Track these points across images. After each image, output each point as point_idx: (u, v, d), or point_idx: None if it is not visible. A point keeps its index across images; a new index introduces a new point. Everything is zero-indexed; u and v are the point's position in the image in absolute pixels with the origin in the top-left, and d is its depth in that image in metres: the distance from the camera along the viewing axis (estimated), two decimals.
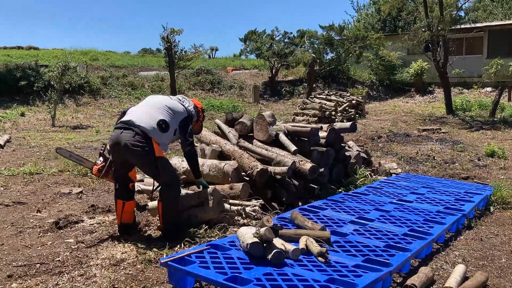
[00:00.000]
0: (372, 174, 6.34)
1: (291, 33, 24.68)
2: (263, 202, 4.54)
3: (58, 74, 13.83)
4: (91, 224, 4.44)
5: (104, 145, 4.14)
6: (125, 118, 3.93)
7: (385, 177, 6.29)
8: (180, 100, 4.18)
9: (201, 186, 4.31)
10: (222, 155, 5.40)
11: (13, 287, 3.10)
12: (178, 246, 3.75)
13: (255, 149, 5.28)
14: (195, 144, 4.42)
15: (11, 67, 18.25)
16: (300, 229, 3.60)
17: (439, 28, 14.82)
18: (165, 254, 3.57)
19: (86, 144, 9.94)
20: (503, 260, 3.64)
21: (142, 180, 5.71)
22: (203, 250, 3.17)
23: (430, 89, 21.81)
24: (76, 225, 4.40)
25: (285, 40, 24.62)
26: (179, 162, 5.42)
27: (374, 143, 9.70)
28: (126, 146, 3.74)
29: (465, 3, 18.26)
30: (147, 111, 3.94)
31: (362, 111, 15.66)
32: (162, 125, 3.84)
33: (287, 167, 4.76)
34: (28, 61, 19.58)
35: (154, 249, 3.71)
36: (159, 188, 3.94)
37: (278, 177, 4.90)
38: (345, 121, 12.72)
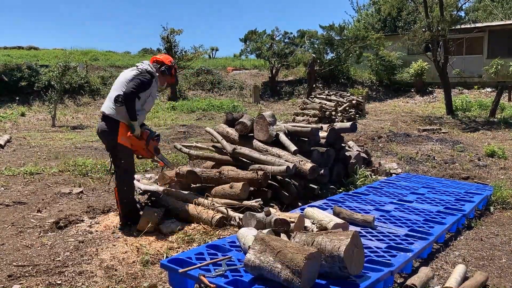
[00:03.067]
0: (372, 174, 6.34)
1: (291, 33, 24.72)
2: (262, 202, 4.53)
3: (58, 74, 13.85)
4: (91, 224, 4.44)
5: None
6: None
7: (385, 177, 6.29)
8: (136, 66, 4.31)
9: (133, 128, 4.25)
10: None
11: (14, 287, 3.10)
12: (177, 247, 3.75)
13: (252, 154, 5.24)
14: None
15: (11, 67, 18.26)
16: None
17: (439, 28, 14.81)
18: (165, 255, 3.57)
19: (86, 144, 9.94)
20: (503, 260, 3.64)
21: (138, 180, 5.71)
22: (204, 252, 3.17)
23: (430, 89, 21.80)
24: (76, 225, 4.40)
25: (285, 40, 24.63)
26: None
27: (374, 143, 9.70)
28: (99, 133, 4.25)
29: (465, 3, 18.25)
30: (109, 95, 4.25)
31: (362, 111, 15.66)
32: (118, 99, 4.09)
33: (285, 167, 4.75)
34: (28, 61, 19.57)
35: (155, 249, 3.71)
36: (115, 173, 4.29)
37: (279, 177, 4.91)
38: (345, 121, 12.72)
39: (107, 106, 4.17)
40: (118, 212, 4.44)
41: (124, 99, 4.07)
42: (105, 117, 4.18)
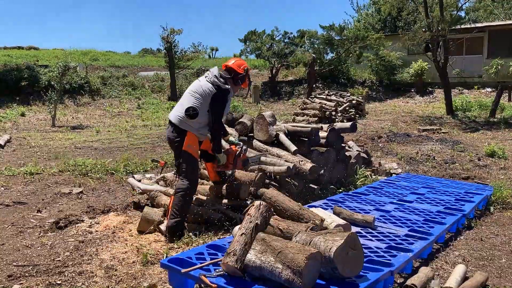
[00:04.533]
0: (372, 174, 6.34)
1: (291, 33, 24.73)
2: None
3: (58, 74, 13.86)
4: (91, 224, 4.44)
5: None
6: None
7: (385, 177, 6.29)
8: (209, 78, 4.09)
9: (219, 160, 4.28)
10: None
11: (14, 287, 3.10)
12: (177, 247, 3.75)
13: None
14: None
15: (11, 67, 18.27)
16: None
17: (439, 28, 14.80)
18: (165, 255, 3.57)
19: (86, 144, 9.94)
20: (503, 260, 3.64)
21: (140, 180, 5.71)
22: (204, 252, 3.17)
23: (430, 89, 21.80)
24: (76, 225, 4.40)
25: (285, 40, 24.64)
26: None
27: (374, 143, 9.70)
28: (168, 140, 4.22)
29: (465, 3, 18.27)
30: (179, 102, 4.14)
31: (362, 111, 15.65)
32: (189, 112, 3.97)
33: (286, 167, 4.75)
34: (28, 61, 19.57)
35: (155, 249, 3.71)
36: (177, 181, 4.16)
37: (278, 177, 4.91)
38: (345, 121, 12.72)
39: (175, 115, 4.05)
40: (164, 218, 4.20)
41: (212, 133, 4.08)
42: (172, 125, 4.09)
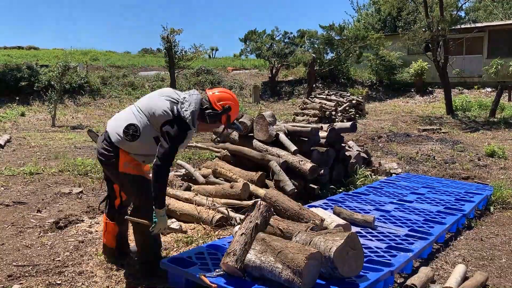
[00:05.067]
0: (372, 174, 6.34)
1: (291, 33, 24.72)
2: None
3: (58, 74, 13.85)
4: (91, 224, 4.44)
5: None
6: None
7: (385, 177, 6.29)
8: (177, 96, 3.06)
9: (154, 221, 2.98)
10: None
11: (14, 287, 3.10)
12: (177, 247, 3.74)
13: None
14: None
15: (11, 67, 18.26)
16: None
17: (439, 28, 14.81)
18: (165, 255, 3.57)
19: (86, 144, 9.94)
20: (503, 260, 3.63)
21: None
22: (204, 251, 3.17)
23: (430, 89, 21.80)
24: (76, 225, 4.40)
25: (285, 40, 24.63)
26: None
27: (374, 143, 9.70)
28: (97, 153, 3.18)
29: (465, 3, 18.28)
30: (127, 111, 3.17)
31: (362, 111, 15.66)
32: (129, 131, 2.99)
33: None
34: (28, 61, 19.57)
35: None
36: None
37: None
38: (345, 121, 12.72)
39: (113, 128, 3.08)
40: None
41: (155, 174, 2.90)
42: (107, 139, 3.09)
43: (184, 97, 3.04)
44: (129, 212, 3.40)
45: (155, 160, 2.92)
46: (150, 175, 3.08)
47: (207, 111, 3.05)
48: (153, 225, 2.95)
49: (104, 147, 3.08)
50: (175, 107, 2.99)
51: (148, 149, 3.04)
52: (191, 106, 2.99)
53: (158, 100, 3.04)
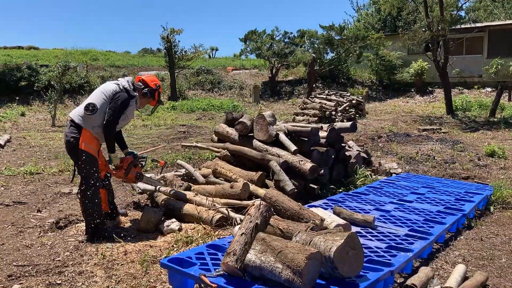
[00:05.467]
0: (372, 174, 6.34)
1: (291, 33, 24.74)
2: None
3: (58, 74, 13.86)
4: None
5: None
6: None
7: (385, 177, 6.29)
8: (118, 81, 4.17)
9: (110, 160, 4.17)
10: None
11: (14, 286, 3.10)
12: (177, 247, 3.75)
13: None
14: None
15: (11, 67, 18.26)
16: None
17: (439, 28, 14.81)
18: (165, 255, 3.57)
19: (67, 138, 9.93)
20: (503, 260, 3.63)
21: None
22: (204, 251, 3.17)
23: (430, 89, 21.81)
24: (76, 225, 4.40)
25: (285, 40, 24.64)
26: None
27: (374, 143, 9.70)
28: (65, 140, 4.03)
29: (465, 3, 18.27)
30: (83, 102, 4.10)
31: (362, 111, 15.65)
32: (89, 107, 3.92)
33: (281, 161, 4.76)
34: (28, 61, 19.57)
35: (155, 249, 3.71)
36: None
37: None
38: (345, 121, 12.72)
39: (76, 113, 4.02)
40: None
41: (104, 129, 3.95)
42: (72, 124, 4.01)
43: (120, 79, 4.20)
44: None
45: (106, 118, 3.92)
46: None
47: (145, 89, 4.22)
48: (110, 163, 4.14)
49: (70, 131, 3.96)
50: (120, 85, 4.09)
51: (103, 120, 3.95)
52: (127, 80, 4.16)
53: (107, 85, 4.14)
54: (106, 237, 3.95)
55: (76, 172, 4.11)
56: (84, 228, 4.31)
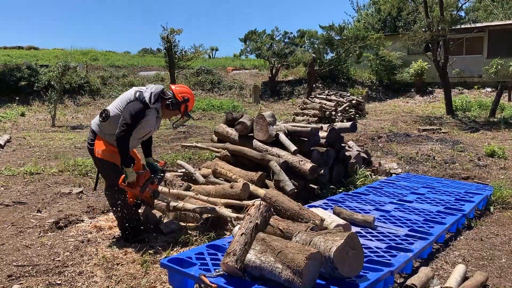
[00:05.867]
0: (372, 174, 6.34)
1: (291, 33, 24.74)
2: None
3: (58, 74, 13.85)
4: (91, 224, 4.44)
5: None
6: None
7: (385, 177, 6.29)
8: (141, 88, 3.87)
9: (126, 176, 3.71)
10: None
11: (14, 287, 3.10)
12: (177, 247, 3.75)
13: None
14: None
15: (11, 67, 18.26)
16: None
17: (439, 28, 14.81)
18: (165, 255, 3.57)
19: (86, 144, 9.94)
20: (503, 260, 3.63)
21: None
22: (204, 251, 3.17)
23: (430, 89, 21.80)
24: (76, 225, 4.40)
25: (285, 40, 24.64)
26: None
27: (374, 143, 9.70)
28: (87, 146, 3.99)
29: (465, 3, 18.25)
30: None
31: (362, 111, 15.66)
32: (102, 114, 3.79)
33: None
34: (28, 61, 19.57)
35: (155, 249, 3.71)
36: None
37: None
38: (345, 121, 12.72)
39: (95, 121, 3.91)
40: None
41: (116, 141, 3.63)
42: (91, 131, 3.95)
43: (148, 87, 3.87)
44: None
45: (117, 131, 3.63)
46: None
47: (170, 100, 3.86)
48: (126, 178, 3.67)
49: (88, 136, 3.96)
50: (137, 93, 3.78)
51: (116, 129, 3.68)
52: (151, 90, 3.81)
53: (127, 92, 3.89)
54: (140, 240, 3.87)
55: (98, 179, 4.10)
56: (85, 228, 4.32)
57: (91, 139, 3.89)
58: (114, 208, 3.92)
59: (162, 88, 3.88)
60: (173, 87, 3.96)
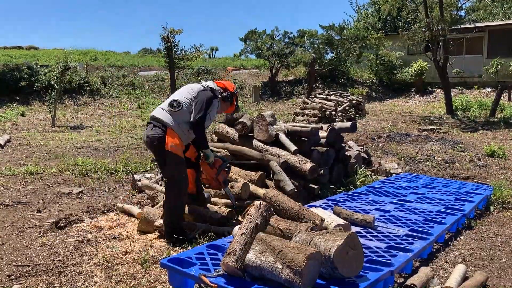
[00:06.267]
0: (372, 174, 6.34)
1: (291, 33, 24.72)
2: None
3: (58, 74, 13.85)
4: (91, 224, 4.44)
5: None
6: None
7: (385, 177, 6.29)
8: (201, 82, 4.17)
9: (207, 156, 4.09)
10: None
11: (14, 286, 3.10)
12: (178, 246, 3.75)
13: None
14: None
15: (11, 67, 18.25)
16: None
17: (439, 28, 14.81)
18: (165, 255, 3.57)
19: (86, 144, 9.95)
20: (503, 260, 3.64)
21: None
22: (204, 251, 3.17)
23: (430, 89, 21.81)
24: (76, 225, 4.40)
25: (285, 40, 24.63)
26: None
27: (374, 143, 9.70)
28: (147, 140, 3.93)
29: (465, 3, 18.26)
30: (166, 101, 4.02)
31: (362, 111, 15.66)
32: (174, 104, 3.87)
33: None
34: (28, 61, 19.56)
35: (155, 249, 3.71)
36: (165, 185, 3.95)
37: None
38: (345, 121, 12.72)
39: (160, 110, 3.93)
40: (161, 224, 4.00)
41: (193, 125, 3.85)
42: (153, 122, 3.90)
43: (203, 82, 4.16)
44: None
45: (193, 116, 3.85)
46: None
47: (225, 93, 4.16)
48: (209, 159, 4.06)
49: (155, 132, 3.84)
50: (205, 85, 4.10)
51: (189, 117, 3.88)
52: (212, 82, 4.17)
53: (194, 84, 4.15)
54: (182, 239, 3.81)
55: (161, 174, 4.08)
56: (85, 228, 4.32)
57: (160, 133, 3.81)
58: (167, 200, 3.88)
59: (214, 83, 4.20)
60: (221, 82, 4.28)
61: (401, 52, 22.15)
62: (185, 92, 3.99)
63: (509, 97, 18.26)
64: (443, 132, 11.63)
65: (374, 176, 6.24)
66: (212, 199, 4.60)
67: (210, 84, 4.12)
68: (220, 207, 4.35)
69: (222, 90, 4.17)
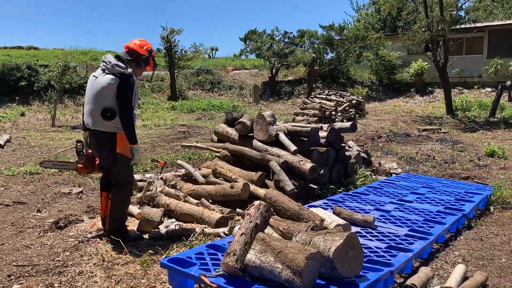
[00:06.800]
0: (372, 174, 6.34)
1: (291, 33, 24.72)
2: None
3: (58, 74, 13.85)
4: (91, 224, 4.44)
5: (81, 144, 3.96)
6: (84, 120, 3.88)
7: (385, 177, 6.29)
8: (107, 69, 3.66)
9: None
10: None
11: (13, 287, 3.10)
12: (177, 247, 3.75)
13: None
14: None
15: (11, 67, 18.25)
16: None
17: (439, 28, 14.80)
18: (165, 255, 3.57)
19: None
20: (503, 260, 3.64)
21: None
22: (204, 251, 3.17)
23: (430, 89, 21.80)
24: (76, 225, 4.40)
25: (285, 40, 24.63)
26: None
27: (374, 143, 9.70)
28: (95, 147, 3.85)
29: (465, 3, 18.23)
30: (88, 108, 3.74)
31: (362, 111, 15.66)
32: (107, 114, 3.61)
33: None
34: (28, 61, 19.56)
35: (155, 249, 3.71)
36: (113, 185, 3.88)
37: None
38: (345, 121, 12.72)
39: (97, 123, 3.68)
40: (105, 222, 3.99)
41: (123, 122, 3.62)
42: (97, 133, 3.73)
43: (106, 63, 3.68)
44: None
45: (120, 111, 3.61)
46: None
47: (139, 58, 3.81)
48: (132, 158, 3.74)
49: (101, 138, 3.71)
50: (111, 78, 3.62)
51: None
52: (113, 62, 3.65)
53: (101, 83, 3.66)
54: (131, 239, 3.85)
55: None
56: (85, 228, 4.32)
57: (101, 140, 3.71)
58: (118, 203, 3.83)
59: (116, 55, 3.81)
60: (131, 45, 3.84)
61: (401, 52, 22.15)
62: (101, 95, 3.64)
63: (509, 97, 18.25)
64: (443, 132, 11.63)
65: (374, 176, 6.24)
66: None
67: (117, 68, 3.63)
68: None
69: (134, 56, 3.79)
